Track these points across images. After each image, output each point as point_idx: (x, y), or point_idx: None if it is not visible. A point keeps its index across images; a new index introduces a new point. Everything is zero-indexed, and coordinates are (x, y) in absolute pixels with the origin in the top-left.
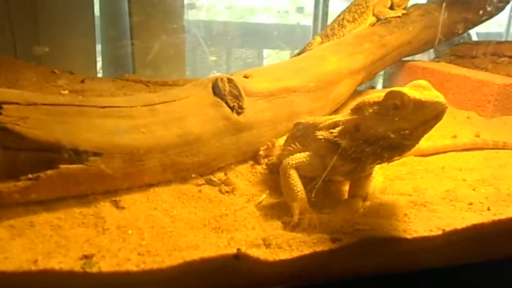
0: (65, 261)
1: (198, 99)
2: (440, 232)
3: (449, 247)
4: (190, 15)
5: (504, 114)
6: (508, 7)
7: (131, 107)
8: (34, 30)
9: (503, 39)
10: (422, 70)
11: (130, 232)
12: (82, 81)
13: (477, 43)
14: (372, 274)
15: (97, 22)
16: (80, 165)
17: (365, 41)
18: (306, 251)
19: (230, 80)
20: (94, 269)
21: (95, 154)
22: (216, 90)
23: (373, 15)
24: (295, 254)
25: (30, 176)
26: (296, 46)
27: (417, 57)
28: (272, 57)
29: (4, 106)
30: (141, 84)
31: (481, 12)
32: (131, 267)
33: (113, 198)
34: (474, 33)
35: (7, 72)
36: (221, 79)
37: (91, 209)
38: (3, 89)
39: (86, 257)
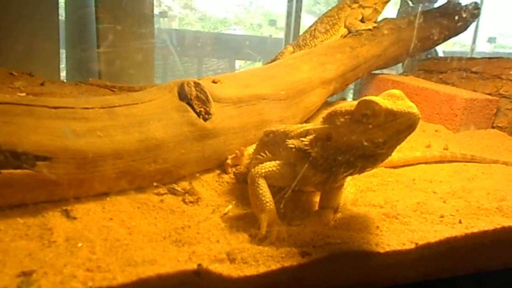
0: None
1: (162, 103)
2: (413, 246)
3: (422, 261)
4: (162, 24)
5: (471, 128)
6: (471, 27)
7: (87, 108)
8: None
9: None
10: (391, 83)
11: (80, 245)
12: (42, 84)
13: (444, 58)
14: None
15: (63, 26)
16: (26, 171)
17: (336, 52)
18: (274, 266)
19: (197, 84)
20: None
21: (44, 158)
22: (182, 94)
23: (345, 27)
24: (262, 269)
25: None
26: (268, 58)
27: (386, 71)
28: (244, 68)
29: None
30: (106, 89)
31: (448, 29)
32: (77, 285)
33: (64, 208)
34: (440, 50)
35: None
36: (188, 82)
37: (37, 219)
38: None
39: (24, 274)
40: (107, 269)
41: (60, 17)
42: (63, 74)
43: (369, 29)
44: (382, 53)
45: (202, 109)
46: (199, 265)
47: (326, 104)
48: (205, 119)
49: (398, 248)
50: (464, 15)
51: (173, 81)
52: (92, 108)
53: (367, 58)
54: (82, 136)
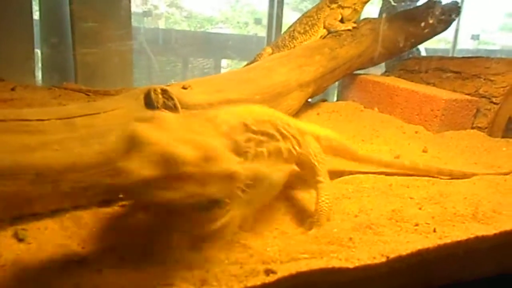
0: None
1: (126, 112)
2: (384, 260)
3: (393, 274)
4: (147, 23)
5: (450, 129)
6: (453, 25)
7: (43, 120)
8: None
9: (450, 55)
10: (372, 84)
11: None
12: (13, 89)
13: (425, 58)
14: None
15: (38, 26)
16: None
17: (315, 53)
18: (236, 286)
19: (164, 91)
20: None
21: None
22: (148, 102)
23: (324, 27)
24: None
25: None
26: (253, 57)
27: (373, 69)
28: (232, 67)
29: None
30: (81, 93)
31: (427, 28)
32: None
33: (17, 227)
34: (423, 49)
35: None
36: (154, 89)
37: None
38: None
39: None
40: None
41: (34, 16)
42: (38, 76)
43: (349, 30)
44: (362, 54)
45: None
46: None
47: (307, 106)
48: None
49: (369, 262)
50: (442, 16)
51: (139, 88)
52: (48, 119)
53: (346, 59)
54: (36, 150)
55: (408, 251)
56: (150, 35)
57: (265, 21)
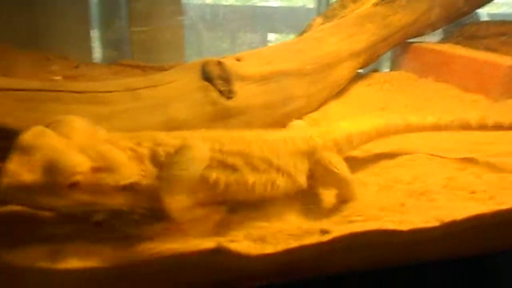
0: None
1: (184, 84)
2: (437, 223)
3: (447, 239)
4: None
5: None
6: None
7: (111, 92)
8: (30, 16)
9: None
10: (428, 52)
11: None
12: (76, 67)
13: (486, 23)
14: (364, 268)
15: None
16: None
17: (366, 21)
18: (293, 244)
19: (219, 63)
20: None
21: None
22: (204, 74)
23: None
24: (281, 247)
25: None
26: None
27: (427, 37)
28: (280, 41)
29: None
30: (138, 69)
31: None
32: None
33: None
34: (484, 14)
35: (0, 59)
36: (210, 62)
37: None
38: None
39: None
40: None
41: None
42: (95, 54)
43: None
44: (417, 20)
45: (224, 88)
46: (218, 243)
47: (357, 77)
48: (228, 98)
49: (422, 225)
50: None
51: (195, 61)
52: (116, 91)
53: (399, 26)
54: (106, 119)
55: (464, 216)
56: (198, 10)
57: None
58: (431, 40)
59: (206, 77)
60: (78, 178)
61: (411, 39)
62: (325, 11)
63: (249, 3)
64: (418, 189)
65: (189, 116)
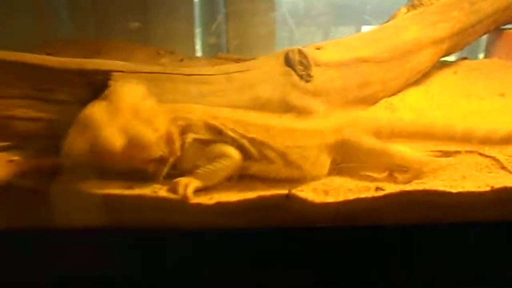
0: None
1: (270, 69)
2: (488, 189)
3: (496, 204)
4: None
5: None
6: None
7: (211, 75)
8: (142, 14)
9: None
10: None
11: None
12: (181, 60)
13: None
14: (412, 224)
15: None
16: None
17: (452, 8)
18: (351, 196)
19: (300, 51)
20: None
21: None
22: (287, 61)
23: None
24: (341, 198)
25: None
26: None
27: None
28: None
29: (112, 73)
30: (233, 62)
31: None
32: None
33: None
34: None
35: (118, 53)
36: (292, 50)
37: None
38: (111, 61)
39: None
40: None
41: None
42: (198, 49)
43: None
44: (508, 7)
45: (304, 72)
46: (289, 190)
47: (443, 64)
48: (306, 81)
49: (472, 189)
50: None
51: (281, 50)
52: (215, 74)
53: (490, 12)
54: (206, 96)
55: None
56: (292, 6)
57: None
58: None
59: (289, 63)
60: (116, 156)
61: (506, 25)
62: (411, 1)
63: None
64: None
65: (271, 95)
